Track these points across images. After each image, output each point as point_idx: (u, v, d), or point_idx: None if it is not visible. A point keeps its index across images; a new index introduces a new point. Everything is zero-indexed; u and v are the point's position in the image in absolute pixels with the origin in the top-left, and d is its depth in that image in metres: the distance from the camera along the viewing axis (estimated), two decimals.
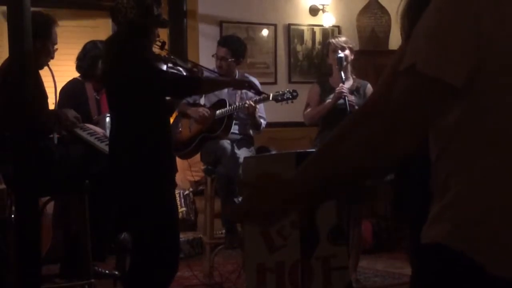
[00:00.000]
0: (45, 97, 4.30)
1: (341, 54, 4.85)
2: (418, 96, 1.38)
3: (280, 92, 4.76)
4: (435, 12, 1.39)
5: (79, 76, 4.87)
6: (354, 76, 5.07)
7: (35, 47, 4.08)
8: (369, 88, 5.03)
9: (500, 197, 1.41)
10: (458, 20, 1.36)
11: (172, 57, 4.07)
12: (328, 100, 4.86)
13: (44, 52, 4.31)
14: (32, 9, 3.96)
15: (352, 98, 4.79)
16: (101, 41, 4.81)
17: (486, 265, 1.40)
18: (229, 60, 5.02)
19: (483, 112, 1.40)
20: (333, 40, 5.08)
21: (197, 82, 3.88)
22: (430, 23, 1.39)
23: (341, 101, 4.79)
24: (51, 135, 4.23)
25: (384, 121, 1.39)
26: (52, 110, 4.48)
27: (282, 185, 1.55)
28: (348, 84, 4.95)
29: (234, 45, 5.11)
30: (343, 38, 5.09)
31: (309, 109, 5.01)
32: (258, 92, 4.39)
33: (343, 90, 4.72)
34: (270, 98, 4.76)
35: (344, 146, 1.46)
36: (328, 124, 4.90)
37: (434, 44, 1.37)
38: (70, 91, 4.82)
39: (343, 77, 4.75)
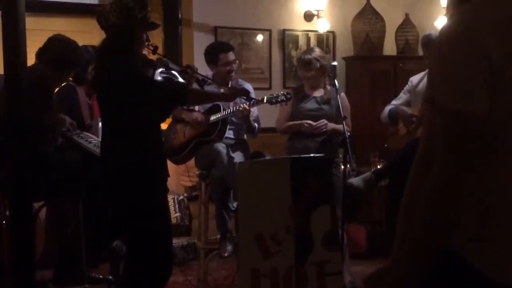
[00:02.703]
0: (49, 103, 4.31)
1: (334, 62, 4.91)
2: (454, 137, 1.47)
3: (274, 95, 4.77)
4: (450, 53, 1.47)
5: (71, 81, 4.87)
6: (328, 87, 5.09)
7: (64, 72, 4.40)
8: (342, 96, 5.04)
9: (508, 217, 1.46)
10: (471, 60, 1.44)
11: (164, 59, 4.04)
12: (298, 123, 5.04)
13: (66, 78, 4.45)
14: (34, 21, 4.05)
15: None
16: (92, 46, 4.82)
17: (493, 276, 1.46)
18: (237, 61, 5.17)
19: (498, 137, 1.45)
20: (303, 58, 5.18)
21: (183, 93, 3.81)
22: (449, 64, 1.47)
23: (312, 106, 5.07)
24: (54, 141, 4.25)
25: (437, 177, 1.48)
26: (52, 115, 4.47)
27: (394, 278, 1.57)
28: (320, 92, 5.11)
29: (234, 47, 5.31)
30: (309, 56, 5.13)
31: (282, 118, 5.19)
32: (249, 98, 4.37)
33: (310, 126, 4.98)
34: (264, 101, 4.77)
35: (417, 217, 1.52)
36: (296, 133, 5.10)
37: (458, 82, 1.45)
38: (62, 96, 4.82)
39: (337, 85, 4.77)
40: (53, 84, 4.41)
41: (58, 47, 4.32)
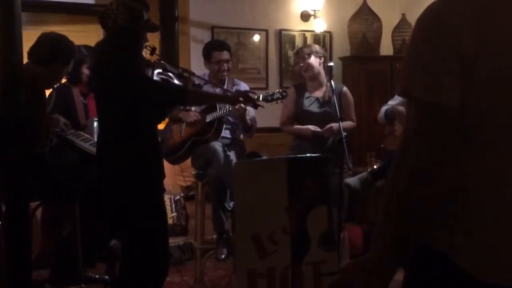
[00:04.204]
0: (41, 102, 4.29)
1: (331, 63, 4.92)
2: (425, 128, 1.47)
3: (270, 93, 4.77)
4: (421, 41, 1.48)
5: (66, 81, 4.86)
6: (328, 83, 5.09)
7: (55, 68, 4.23)
8: (344, 91, 5.08)
9: (489, 212, 1.48)
10: (444, 52, 1.44)
11: (162, 62, 4.05)
12: (304, 129, 5.09)
13: (59, 75, 4.37)
14: (30, 21, 3.99)
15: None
16: (84, 46, 4.82)
17: (472, 271, 1.47)
18: (231, 62, 5.15)
19: (473, 129, 1.46)
20: (300, 49, 5.21)
21: (182, 94, 3.83)
22: (420, 53, 1.47)
23: (316, 108, 5.07)
24: (48, 141, 4.23)
25: (408, 168, 1.48)
26: (45, 116, 4.47)
27: (369, 268, 1.58)
28: (321, 92, 5.08)
29: (230, 47, 5.25)
30: (309, 48, 5.16)
31: (285, 118, 5.24)
32: (255, 106, 4.28)
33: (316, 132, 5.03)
34: (261, 99, 4.77)
35: (392, 205, 1.52)
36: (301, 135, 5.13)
37: (427, 73, 1.45)
38: (57, 96, 4.81)
39: (333, 85, 4.80)
40: (45, 84, 4.36)
41: (47, 45, 4.27)
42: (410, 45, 1.51)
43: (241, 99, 4.14)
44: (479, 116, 1.46)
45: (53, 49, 4.24)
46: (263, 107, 4.39)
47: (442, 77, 1.43)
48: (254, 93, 4.55)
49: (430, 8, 1.50)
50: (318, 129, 5.00)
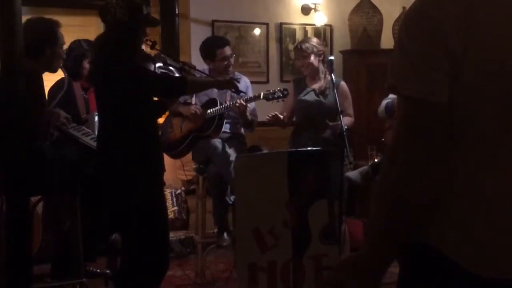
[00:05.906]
0: (41, 98, 4.25)
1: (331, 57, 4.91)
2: (414, 125, 1.47)
3: (271, 91, 4.78)
4: (409, 38, 1.47)
5: (66, 75, 4.84)
6: (328, 77, 5.07)
7: (46, 55, 4.11)
8: (341, 85, 5.06)
9: (475, 207, 1.49)
10: (431, 49, 1.44)
11: (162, 55, 4.05)
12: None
13: (55, 57, 4.29)
14: (29, 15, 3.91)
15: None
16: (85, 40, 4.80)
17: (462, 263, 1.48)
18: (233, 56, 5.14)
19: (462, 126, 1.45)
20: (300, 45, 5.18)
21: (183, 83, 3.83)
22: (407, 49, 1.47)
23: (311, 98, 5.04)
24: (49, 135, 4.21)
25: (400, 167, 1.47)
26: (45, 110, 4.45)
27: (360, 266, 1.57)
28: (319, 84, 5.05)
29: (229, 41, 5.26)
30: (308, 44, 5.14)
31: (284, 111, 5.18)
32: (237, 91, 4.33)
33: None
34: (261, 97, 4.77)
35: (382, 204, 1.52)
36: (299, 127, 5.12)
37: (415, 69, 1.45)
38: (57, 90, 4.80)
39: (334, 79, 4.79)
40: (42, 73, 4.27)
41: (29, 34, 4.14)
42: (397, 42, 1.50)
43: (228, 84, 4.17)
44: (466, 113, 1.46)
45: (36, 38, 4.11)
46: (244, 93, 4.49)
47: (430, 73, 1.43)
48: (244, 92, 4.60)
49: (416, 5, 1.50)
50: (279, 115, 4.90)
